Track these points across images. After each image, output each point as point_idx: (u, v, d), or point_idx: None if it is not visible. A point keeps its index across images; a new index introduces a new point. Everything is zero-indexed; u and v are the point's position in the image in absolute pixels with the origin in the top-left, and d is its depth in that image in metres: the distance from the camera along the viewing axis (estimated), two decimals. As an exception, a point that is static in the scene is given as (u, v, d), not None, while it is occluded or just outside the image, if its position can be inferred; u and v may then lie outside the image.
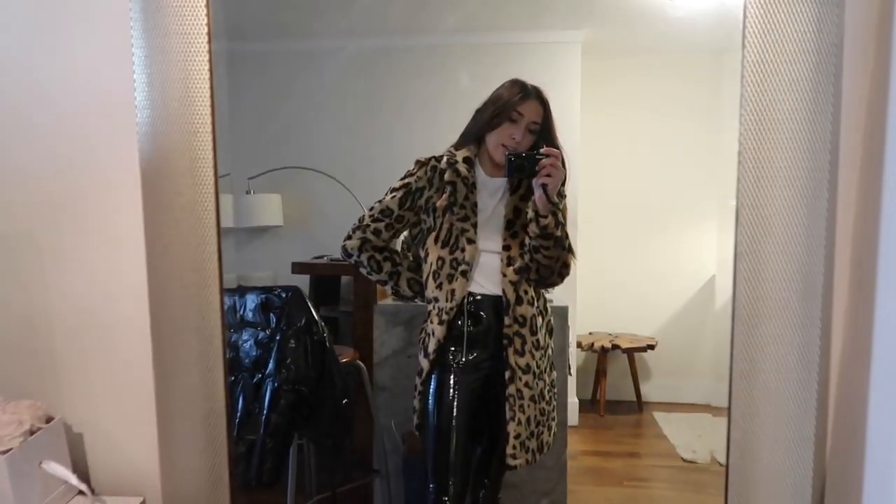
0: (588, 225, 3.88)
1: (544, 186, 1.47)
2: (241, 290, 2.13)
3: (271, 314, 2.00)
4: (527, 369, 1.60)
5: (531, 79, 1.64)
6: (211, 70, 1.08)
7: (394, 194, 1.67)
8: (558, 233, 1.53)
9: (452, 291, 1.60)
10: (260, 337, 1.98)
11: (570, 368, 2.68)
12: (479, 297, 1.62)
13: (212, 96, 1.09)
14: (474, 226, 1.60)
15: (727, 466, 1.18)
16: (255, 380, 1.95)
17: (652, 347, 3.87)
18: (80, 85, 1.29)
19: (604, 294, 4.07)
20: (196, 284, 1.12)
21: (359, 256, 1.71)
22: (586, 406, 3.91)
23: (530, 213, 1.53)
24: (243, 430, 1.95)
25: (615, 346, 3.79)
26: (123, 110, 1.24)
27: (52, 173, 1.33)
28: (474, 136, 1.62)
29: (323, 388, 1.94)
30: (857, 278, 1.12)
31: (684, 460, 3.14)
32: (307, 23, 3.59)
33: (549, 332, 1.75)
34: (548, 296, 2.04)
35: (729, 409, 1.17)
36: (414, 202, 1.66)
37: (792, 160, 1.10)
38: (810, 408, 1.09)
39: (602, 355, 3.83)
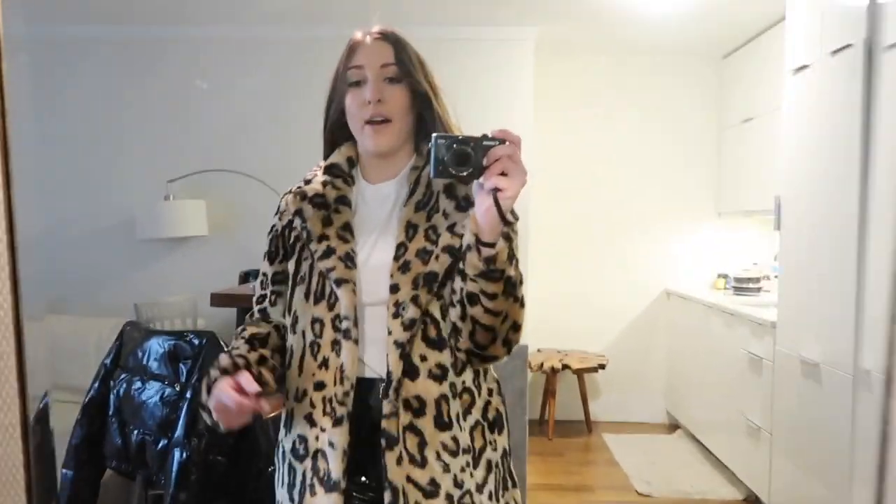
0: (539, 236, 3.66)
1: (496, 192, 0.89)
2: (145, 334, 1.79)
3: (181, 365, 1.67)
4: (431, 491, 0.98)
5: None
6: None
7: (265, 254, 1.15)
8: (511, 271, 0.95)
9: (341, 368, 1.01)
10: (167, 393, 1.65)
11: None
12: (364, 377, 1.03)
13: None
14: (346, 259, 1.03)
15: None
16: (160, 446, 1.63)
17: (603, 367, 3.68)
18: None
19: (553, 309, 3.86)
20: None
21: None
22: (534, 428, 3.70)
23: (468, 238, 0.94)
24: (145, 506, 1.63)
25: (565, 366, 3.59)
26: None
27: None
28: (332, 132, 1.15)
29: (243, 455, 1.64)
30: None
31: (639, 493, 2.97)
32: (213, 9, 3.21)
33: (492, 423, 1.08)
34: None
35: None
36: (286, 247, 1.12)
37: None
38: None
39: (551, 375, 3.63)
